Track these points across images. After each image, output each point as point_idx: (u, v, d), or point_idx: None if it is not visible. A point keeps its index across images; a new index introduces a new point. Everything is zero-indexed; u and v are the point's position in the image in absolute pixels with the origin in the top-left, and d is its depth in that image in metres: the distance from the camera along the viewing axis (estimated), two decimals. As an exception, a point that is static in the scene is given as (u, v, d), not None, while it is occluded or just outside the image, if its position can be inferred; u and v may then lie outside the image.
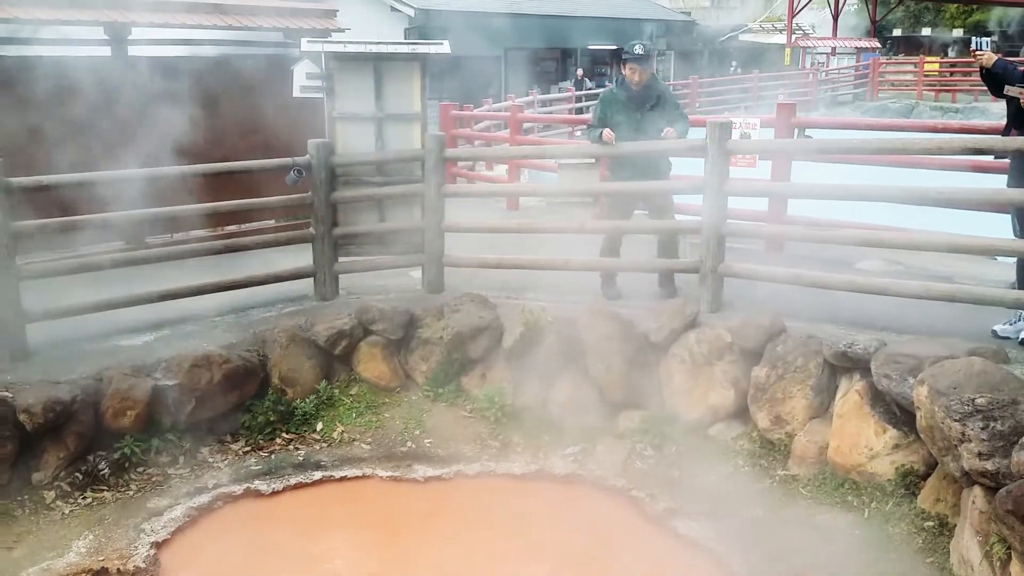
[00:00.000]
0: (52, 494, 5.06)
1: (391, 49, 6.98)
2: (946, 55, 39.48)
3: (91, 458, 5.32)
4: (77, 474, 5.21)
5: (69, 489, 5.13)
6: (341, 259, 7.03)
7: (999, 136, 5.68)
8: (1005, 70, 5.40)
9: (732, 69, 34.59)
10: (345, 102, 7.02)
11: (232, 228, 8.46)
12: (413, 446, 5.88)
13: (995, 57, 5.47)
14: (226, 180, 7.23)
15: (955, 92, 32.11)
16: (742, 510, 4.95)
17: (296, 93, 7.01)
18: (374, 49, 6.90)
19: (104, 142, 7.26)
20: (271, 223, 8.69)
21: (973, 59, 5.65)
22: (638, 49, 6.42)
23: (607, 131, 6.36)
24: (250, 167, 6.86)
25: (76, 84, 7.31)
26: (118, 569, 4.40)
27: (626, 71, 6.46)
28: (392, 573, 4.63)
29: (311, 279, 6.96)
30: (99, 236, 7.05)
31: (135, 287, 6.25)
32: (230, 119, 8.31)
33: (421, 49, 7.05)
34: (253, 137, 8.22)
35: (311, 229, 6.87)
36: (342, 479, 5.56)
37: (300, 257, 7.05)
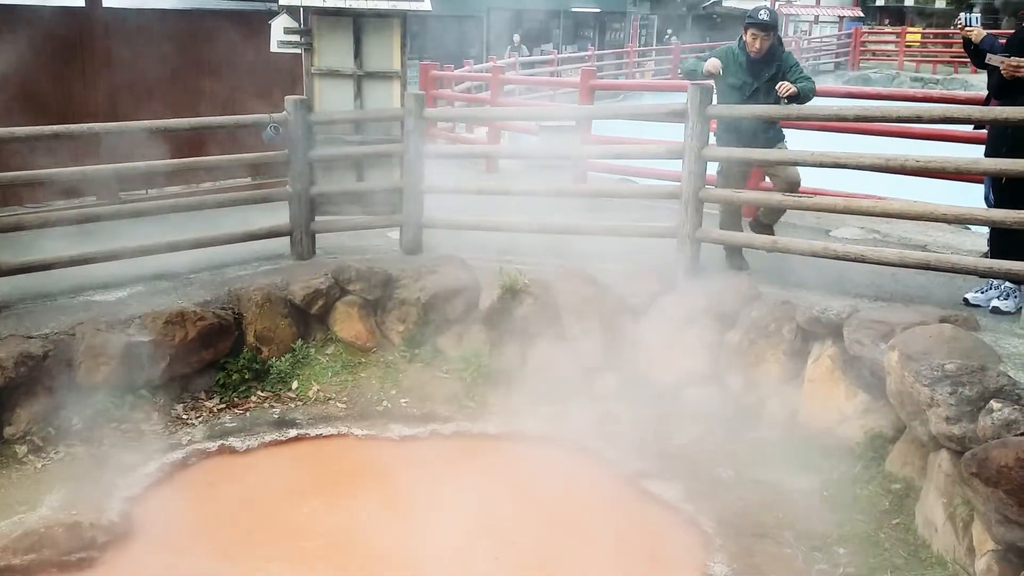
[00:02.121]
0: (24, 448, 5.03)
1: (371, 5, 6.88)
2: (946, 26, 39.32)
3: (64, 413, 5.28)
4: (50, 429, 5.17)
5: (41, 444, 5.10)
6: (318, 218, 6.98)
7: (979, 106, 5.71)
8: (992, 46, 5.51)
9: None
10: (324, 58, 6.93)
11: (208, 185, 8.37)
12: (389, 405, 5.89)
13: (984, 33, 5.60)
14: (201, 136, 7.15)
15: (936, 63, 32.18)
16: (713, 471, 5.02)
17: (273, 48, 6.91)
18: (354, 4, 6.79)
19: (78, 95, 7.15)
20: (247, 180, 8.60)
21: (960, 32, 5.70)
22: (763, 15, 5.91)
23: (713, 61, 5.98)
24: (225, 123, 6.77)
25: (48, 35, 7.18)
26: (91, 523, 4.38)
27: (746, 37, 6.00)
28: (365, 530, 4.66)
29: (287, 238, 6.92)
30: (72, 190, 6.96)
31: (108, 242, 6.19)
32: (206, 73, 8.19)
33: (402, 6, 6.95)
34: (229, 92, 8.11)
35: (288, 187, 6.81)
36: (317, 437, 5.57)
37: (277, 215, 6.99)
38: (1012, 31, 5.82)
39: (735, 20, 37.54)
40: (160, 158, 6.47)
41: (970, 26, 5.68)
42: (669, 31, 35.53)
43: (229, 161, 6.78)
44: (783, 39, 6.14)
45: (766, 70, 6.02)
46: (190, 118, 6.73)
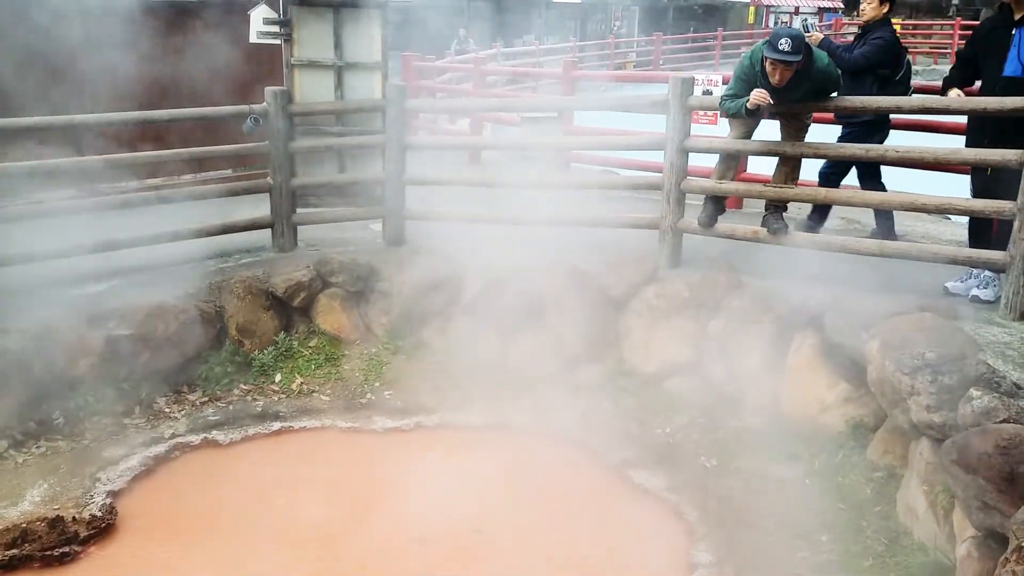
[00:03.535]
0: (5, 443, 4.99)
1: (351, -5, 6.84)
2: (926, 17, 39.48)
3: (44, 407, 5.24)
4: (31, 423, 5.14)
5: (22, 438, 5.06)
6: (300, 210, 6.94)
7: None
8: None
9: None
10: (303, 49, 6.89)
11: (188, 177, 8.30)
12: (372, 398, 5.89)
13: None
14: (181, 127, 7.08)
15: (915, 54, 32.35)
16: (696, 460, 5.05)
17: (253, 39, 6.86)
18: (334, -5, 6.76)
19: (54, 86, 7.06)
20: (228, 172, 8.53)
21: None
22: (784, 46, 5.11)
23: (758, 94, 5.30)
24: (206, 114, 6.72)
25: (20, 23, 7.07)
26: (73, 517, 4.36)
27: (767, 66, 5.30)
28: (350, 523, 4.65)
29: (269, 230, 6.87)
30: (51, 183, 6.87)
31: (89, 235, 6.13)
32: (185, 64, 8.10)
33: (382, -4, 6.92)
34: (208, 83, 8.03)
35: (269, 179, 6.76)
36: (301, 430, 5.57)
37: (258, 208, 6.95)
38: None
39: (717, 10, 37.61)
40: (140, 150, 6.41)
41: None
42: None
43: (209, 153, 6.72)
44: (765, 29, 5.86)
45: (794, 92, 5.44)
46: (170, 110, 6.66)
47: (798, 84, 5.40)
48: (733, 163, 6.25)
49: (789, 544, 4.26)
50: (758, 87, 5.41)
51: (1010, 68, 5.22)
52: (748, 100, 5.39)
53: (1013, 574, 2.85)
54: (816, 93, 5.53)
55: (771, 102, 5.41)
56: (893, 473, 4.59)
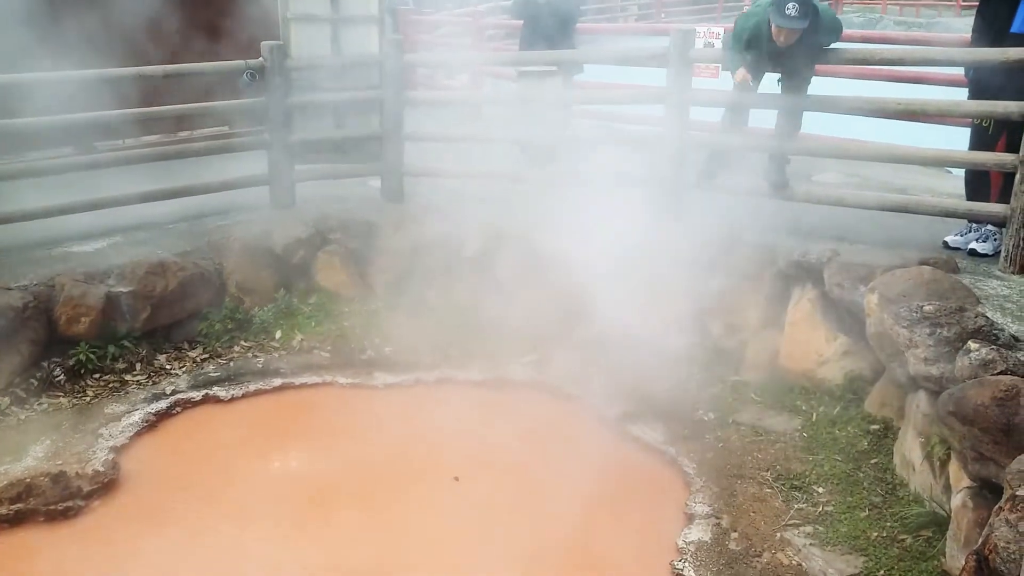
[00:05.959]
0: (7, 400, 5.02)
1: (347, -52, 6.74)
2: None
3: (46, 364, 5.27)
4: (32, 380, 5.16)
5: (24, 395, 5.09)
6: (298, 167, 6.90)
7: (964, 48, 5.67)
8: None
9: None
10: (299, 2, 6.79)
11: (185, 134, 8.24)
12: (373, 354, 5.90)
13: None
14: (176, 83, 7.00)
15: (919, 7, 31.94)
16: (695, 414, 5.08)
17: (248, -8, 6.77)
18: (329, -53, 6.66)
19: (46, 41, 6.97)
20: (225, 129, 8.46)
21: None
22: (791, 11, 5.20)
23: (741, 73, 5.59)
24: (202, 69, 6.64)
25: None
26: (77, 473, 4.40)
27: (773, 28, 5.39)
28: (350, 477, 4.69)
29: (267, 187, 6.84)
30: (46, 141, 6.82)
31: (85, 193, 6.11)
32: (178, 18, 8.00)
33: (378, -52, 6.82)
34: (203, 37, 7.93)
35: (266, 135, 6.71)
36: (302, 386, 5.58)
37: (256, 164, 6.90)
38: None
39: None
40: (136, 106, 6.35)
41: None
42: None
43: (205, 109, 6.67)
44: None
45: (799, 47, 5.51)
46: (165, 65, 6.58)
47: (804, 41, 5.41)
48: (738, 118, 6.20)
49: (786, 495, 4.31)
50: (762, 44, 5.47)
51: (1017, 24, 5.15)
52: (736, 74, 5.57)
53: (1007, 522, 2.88)
54: (811, 46, 5.52)
55: (751, 82, 5.59)
56: (890, 425, 4.63)
